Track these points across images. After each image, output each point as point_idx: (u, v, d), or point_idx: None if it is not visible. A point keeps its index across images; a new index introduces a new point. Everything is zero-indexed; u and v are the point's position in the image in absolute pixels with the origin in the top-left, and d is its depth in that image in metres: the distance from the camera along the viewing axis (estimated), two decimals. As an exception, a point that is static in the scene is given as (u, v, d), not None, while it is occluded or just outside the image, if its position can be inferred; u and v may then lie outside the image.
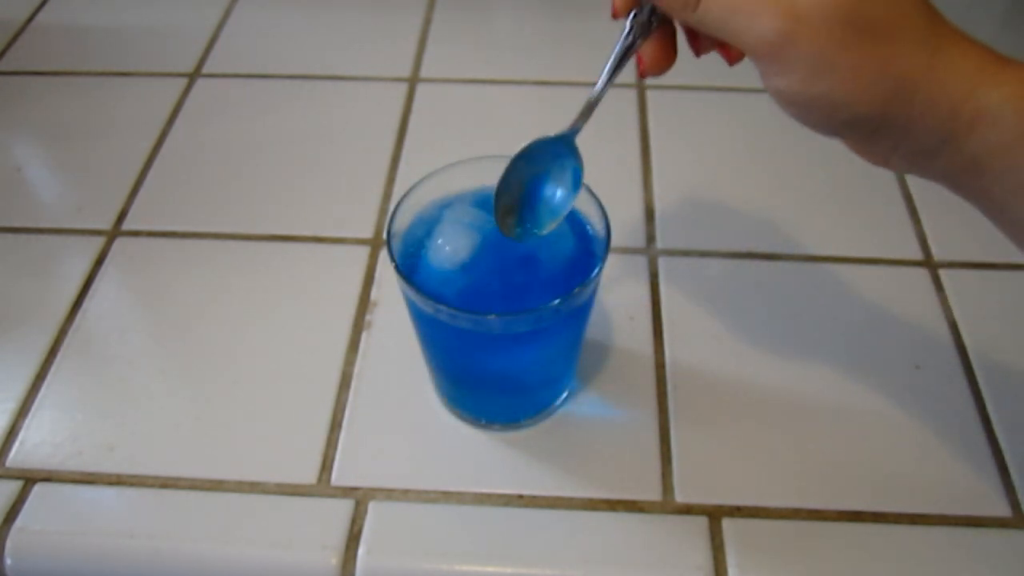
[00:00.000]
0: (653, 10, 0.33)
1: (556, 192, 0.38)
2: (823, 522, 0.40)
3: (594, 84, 0.36)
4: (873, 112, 0.29)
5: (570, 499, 0.41)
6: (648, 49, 0.34)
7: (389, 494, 0.41)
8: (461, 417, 0.44)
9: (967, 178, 0.29)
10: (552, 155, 0.37)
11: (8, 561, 0.39)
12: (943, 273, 0.51)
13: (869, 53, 0.28)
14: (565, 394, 0.45)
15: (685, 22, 0.31)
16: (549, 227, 0.38)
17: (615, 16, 0.34)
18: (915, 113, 0.28)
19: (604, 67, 0.35)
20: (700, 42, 0.35)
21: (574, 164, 0.37)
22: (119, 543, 0.39)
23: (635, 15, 0.34)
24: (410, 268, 0.38)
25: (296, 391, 0.45)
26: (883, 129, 0.29)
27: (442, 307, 0.35)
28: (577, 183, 0.38)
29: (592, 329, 0.45)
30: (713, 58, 0.35)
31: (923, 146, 0.29)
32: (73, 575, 0.40)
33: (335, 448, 0.43)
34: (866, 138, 0.30)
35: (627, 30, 0.34)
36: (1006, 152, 0.27)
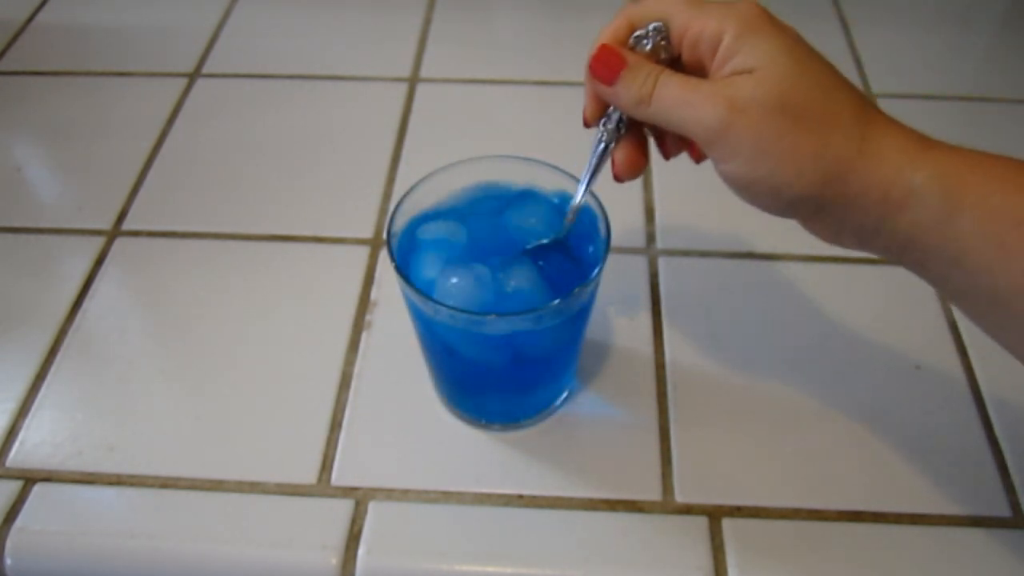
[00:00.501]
0: (621, 116, 0.35)
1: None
2: (823, 522, 0.40)
3: (576, 181, 0.38)
4: (812, 193, 0.31)
5: (570, 499, 0.41)
6: (620, 154, 0.36)
7: (389, 494, 0.41)
8: (461, 417, 0.44)
9: (907, 254, 0.31)
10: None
11: (8, 561, 0.39)
12: (943, 273, 0.51)
13: (804, 140, 0.30)
14: (565, 394, 0.45)
15: (642, 118, 0.34)
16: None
17: (586, 125, 0.37)
18: (851, 194, 0.30)
19: (582, 175, 0.37)
20: (667, 145, 0.37)
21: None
22: (119, 543, 0.39)
23: (604, 122, 0.36)
24: (410, 268, 0.38)
25: (296, 391, 0.45)
26: (825, 208, 0.31)
27: (442, 307, 0.35)
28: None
29: (592, 329, 0.45)
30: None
31: (863, 225, 0.31)
32: (73, 575, 0.40)
33: (335, 448, 0.43)
34: (812, 217, 0.32)
35: (599, 137, 0.36)
36: (935, 228, 0.29)
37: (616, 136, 0.36)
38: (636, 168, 0.36)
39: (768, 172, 0.31)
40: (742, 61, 0.31)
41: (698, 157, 0.37)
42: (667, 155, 0.38)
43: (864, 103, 0.32)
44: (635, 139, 0.36)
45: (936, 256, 0.30)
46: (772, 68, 0.30)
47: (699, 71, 0.33)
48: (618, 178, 0.36)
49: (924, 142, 0.31)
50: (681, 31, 0.33)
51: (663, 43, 0.34)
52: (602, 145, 0.36)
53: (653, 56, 0.34)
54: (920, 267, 0.31)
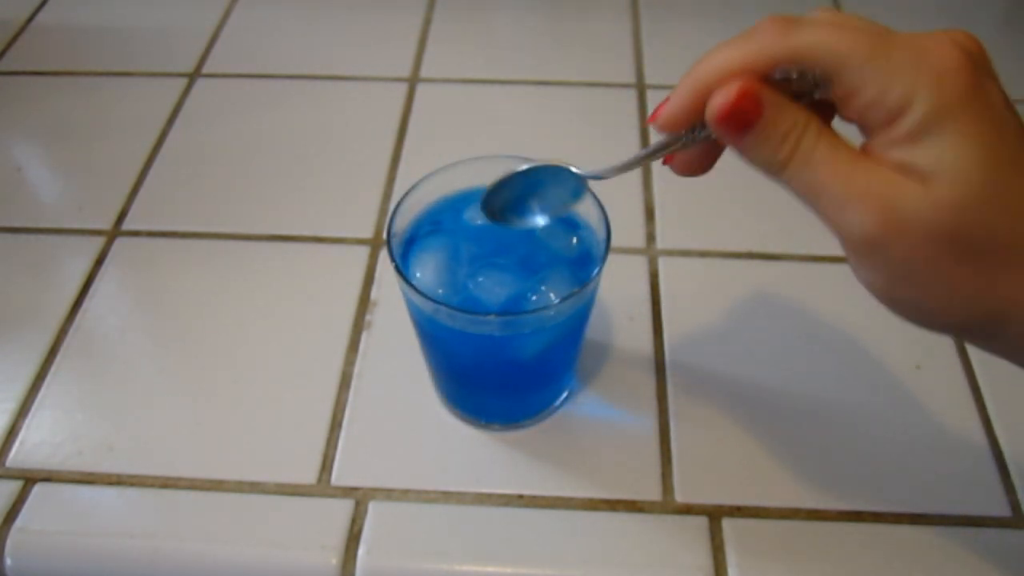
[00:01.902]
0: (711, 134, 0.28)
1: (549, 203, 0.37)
2: (823, 522, 0.40)
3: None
4: (961, 325, 0.26)
5: (570, 499, 0.41)
6: (687, 155, 0.30)
7: (389, 494, 0.41)
8: (461, 417, 0.44)
9: None
10: (560, 181, 0.35)
11: (8, 561, 0.39)
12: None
13: (969, 276, 0.25)
14: (565, 394, 0.45)
15: (771, 178, 0.28)
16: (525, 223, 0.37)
17: (660, 129, 0.29)
18: (1011, 335, 0.26)
19: (630, 157, 0.32)
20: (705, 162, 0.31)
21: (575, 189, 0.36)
22: (119, 543, 0.39)
23: (687, 132, 0.29)
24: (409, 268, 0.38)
25: (296, 391, 0.45)
26: (971, 339, 0.27)
27: (442, 307, 0.35)
28: (577, 192, 0.36)
29: (592, 329, 0.45)
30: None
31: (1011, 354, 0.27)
32: (73, 575, 0.40)
33: (335, 448, 0.43)
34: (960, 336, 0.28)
35: (671, 139, 0.30)
36: None
37: (690, 143, 0.29)
38: (697, 171, 0.31)
39: (913, 297, 0.26)
40: (922, 155, 0.24)
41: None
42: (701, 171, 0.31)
43: None
44: (712, 146, 0.30)
45: None
46: (956, 183, 0.24)
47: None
48: (677, 172, 0.31)
49: None
50: (851, 89, 0.25)
51: (815, 85, 0.26)
52: (673, 147, 0.30)
53: (798, 89, 0.26)
54: None
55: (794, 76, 0.26)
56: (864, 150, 0.26)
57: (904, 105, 0.24)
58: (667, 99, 0.29)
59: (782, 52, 0.26)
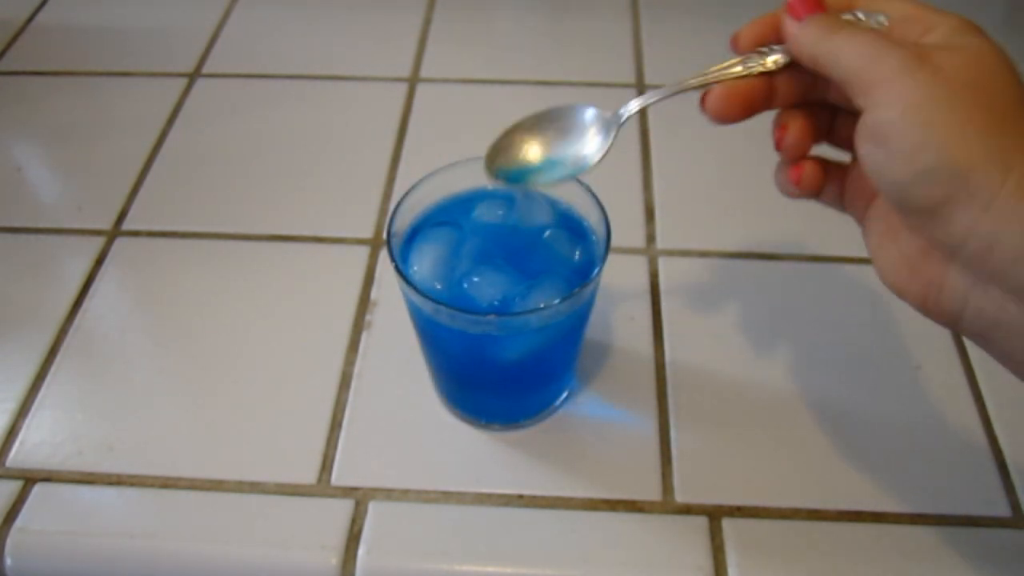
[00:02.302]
0: (779, 58, 0.33)
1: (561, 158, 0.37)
2: (823, 522, 0.40)
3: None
4: (959, 167, 0.27)
5: (570, 499, 0.41)
6: (796, 124, 0.33)
7: (389, 494, 0.41)
8: (461, 417, 0.44)
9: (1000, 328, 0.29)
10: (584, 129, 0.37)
11: (8, 561, 0.39)
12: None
13: (978, 115, 0.27)
14: (565, 394, 0.45)
15: (814, 55, 0.31)
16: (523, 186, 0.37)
17: (734, 47, 0.34)
18: (987, 199, 0.27)
19: (669, 87, 0.34)
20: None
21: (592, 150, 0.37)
22: (119, 543, 0.39)
23: (753, 53, 0.33)
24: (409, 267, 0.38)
25: (296, 391, 0.45)
26: (951, 206, 0.28)
27: (442, 307, 0.35)
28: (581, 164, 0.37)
29: (592, 329, 0.45)
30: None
31: (979, 259, 0.28)
32: (73, 575, 0.40)
33: (335, 448, 0.43)
34: (930, 218, 0.29)
35: (737, 60, 0.33)
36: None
37: (754, 69, 0.33)
38: (805, 146, 0.34)
39: (927, 127, 0.28)
40: (948, 42, 0.29)
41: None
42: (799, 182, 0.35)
43: None
44: (811, 114, 0.34)
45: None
46: (979, 57, 0.29)
47: None
48: (796, 186, 0.34)
49: None
50: (900, 13, 0.31)
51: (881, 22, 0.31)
52: (734, 69, 0.33)
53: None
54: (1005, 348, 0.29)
55: (860, 16, 0.31)
56: None
57: (937, 20, 0.30)
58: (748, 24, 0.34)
59: None
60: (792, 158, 0.34)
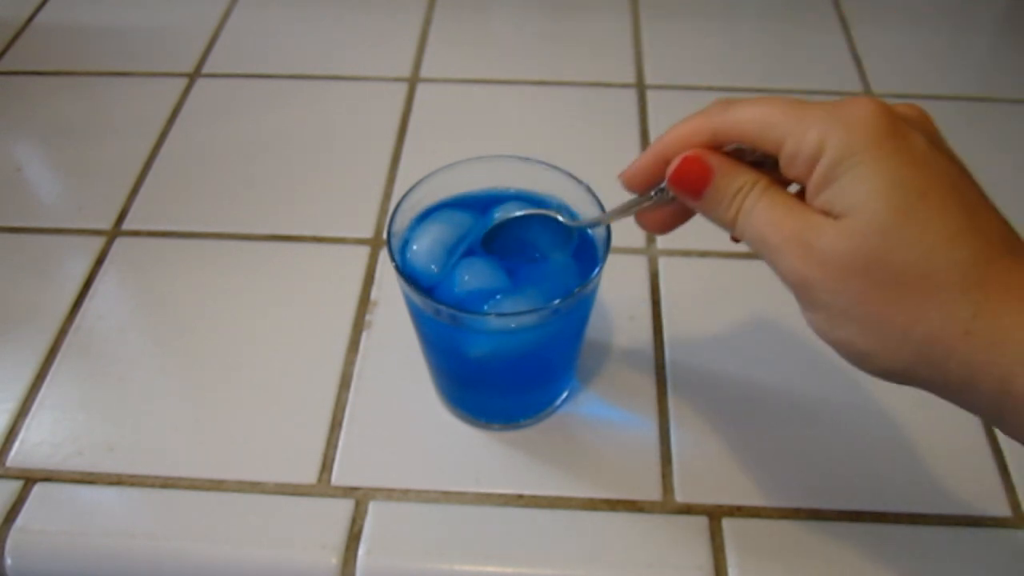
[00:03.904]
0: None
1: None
2: (823, 522, 0.40)
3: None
4: (903, 369, 0.26)
5: (570, 499, 0.41)
6: (658, 215, 0.33)
7: (389, 494, 0.41)
8: (461, 417, 0.44)
9: None
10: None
11: (8, 561, 0.39)
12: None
13: (891, 311, 0.25)
14: (565, 394, 0.45)
15: (725, 229, 0.30)
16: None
17: (625, 185, 0.33)
18: (953, 382, 0.25)
19: (607, 211, 0.35)
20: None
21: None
22: (119, 543, 0.39)
23: (655, 190, 0.32)
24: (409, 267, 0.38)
25: (296, 391, 0.45)
26: (929, 388, 0.27)
27: (442, 307, 0.35)
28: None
29: (592, 329, 0.45)
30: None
31: (978, 410, 0.27)
32: (73, 575, 0.40)
33: (335, 448, 0.43)
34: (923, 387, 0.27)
35: (640, 197, 0.33)
36: None
37: (659, 201, 0.32)
38: (666, 229, 0.33)
39: (849, 337, 0.27)
40: (833, 197, 0.26)
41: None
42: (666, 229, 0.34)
43: (990, 261, 0.25)
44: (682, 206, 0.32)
45: None
46: (864, 216, 0.25)
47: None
48: (647, 229, 0.34)
49: None
50: (777, 147, 0.27)
51: (760, 153, 0.29)
52: (643, 204, 0.33)
53: (751, 160, 0.29)
54: None
55: (745, 148, 0.29)
56: (801, 202, 0.28)
57: (818, 151, 0.26)
58: (635, 160, 0.32)
59: (721, 124, 0.29)
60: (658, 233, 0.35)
